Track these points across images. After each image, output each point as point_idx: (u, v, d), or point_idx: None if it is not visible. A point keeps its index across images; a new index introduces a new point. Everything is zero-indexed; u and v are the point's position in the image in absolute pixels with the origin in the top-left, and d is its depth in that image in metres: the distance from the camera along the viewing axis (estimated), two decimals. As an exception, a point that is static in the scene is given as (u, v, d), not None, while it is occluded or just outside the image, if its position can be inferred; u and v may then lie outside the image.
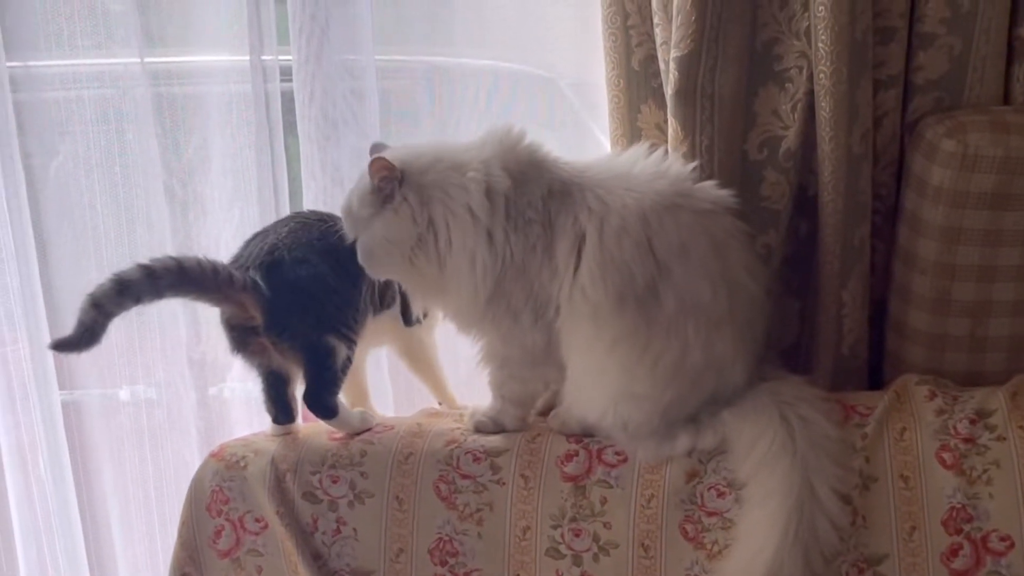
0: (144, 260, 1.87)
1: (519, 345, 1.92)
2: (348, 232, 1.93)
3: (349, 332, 2.00)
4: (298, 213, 2.11)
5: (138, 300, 1.86)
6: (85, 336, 1.82)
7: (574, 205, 1.86)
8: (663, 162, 1.92)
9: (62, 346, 1.84)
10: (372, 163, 1.85)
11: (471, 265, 1.86)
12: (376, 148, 1.97)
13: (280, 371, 2.03)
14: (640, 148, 1.96)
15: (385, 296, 2.08)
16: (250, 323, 1.96)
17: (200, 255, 1.92)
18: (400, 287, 2.06)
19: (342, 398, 2.04)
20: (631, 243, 1.83)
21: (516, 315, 1.90)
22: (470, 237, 1.85)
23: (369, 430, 2.04)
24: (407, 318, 2.13)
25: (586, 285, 1.84)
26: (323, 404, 1.99)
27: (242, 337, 1.99)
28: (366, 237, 1.90)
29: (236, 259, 2.00)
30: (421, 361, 2.22)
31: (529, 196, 1.86)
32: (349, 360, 2.02)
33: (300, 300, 1.95)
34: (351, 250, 1.93)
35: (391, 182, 1.85)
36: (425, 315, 2.14)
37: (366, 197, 1.88)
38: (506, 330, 1.92)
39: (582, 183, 1.88)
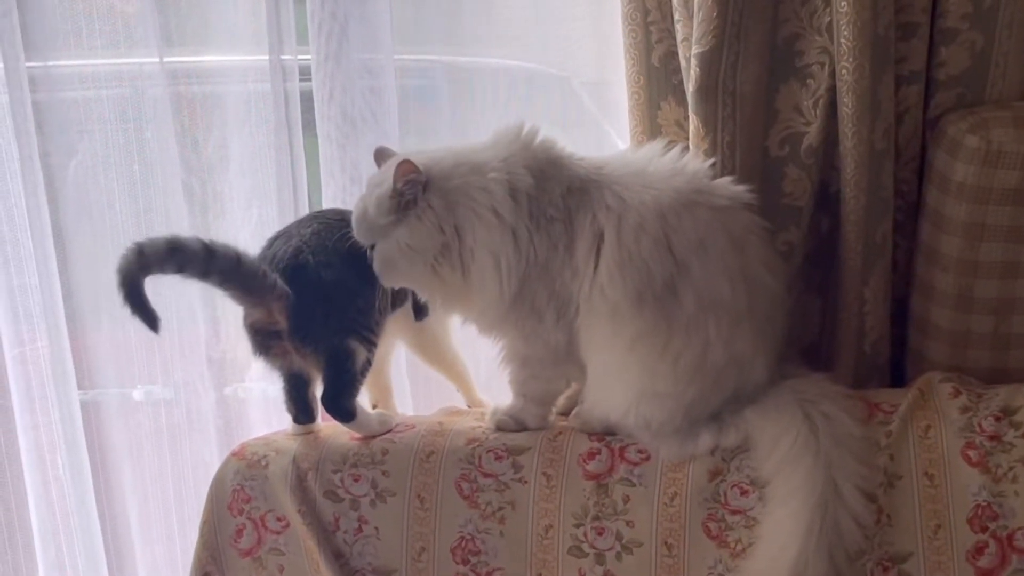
0: (208, 239, 1.89)
1: (542, 344, 1.92)
2: (362, 239, 1.90)
3: (370, 335, 2.00)
4: (320, 212, 2.10)
5: (180, 269, 1.87)
6: (137, 304, 1.85)
7: (592, 203, 1.85)
8: (680, 159, 1.92)
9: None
10: (399, 166, 1.81)
11: (496, 267, 1.85)
12: (381, 153, 1.96)
13: (301, 373, 2.03)
14: (656, 145, 1.95)
15: (398, 294, 2.07)
16: (274, 327, 1.96)
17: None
18: None
19: (362, 400, 2.04)
20: (649, 241, 1.82)
21: (539, 314, 1.89)
22: (496, 239, 1.84)
23: (389, 432, 2.04)
24: (418, 312, 2.12)
25: (605, 284, 1.83)
26: (341, 407, 1.99)
27: (265, 341, 1.99)
28: (386, 245, 1.87)
29: (259, 260, 1.99)
30: (437, 354, 2.21)
31: (550, 194, 1.86)
32: (369, 363, 2.02)
33: (323, 305, 1.94)
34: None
35: (415, 186, 1.82)
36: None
37: (384, 202, 1.85)
38: (529, 330, 1.91)
39: (599, 180, 1.88)
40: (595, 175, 1.89)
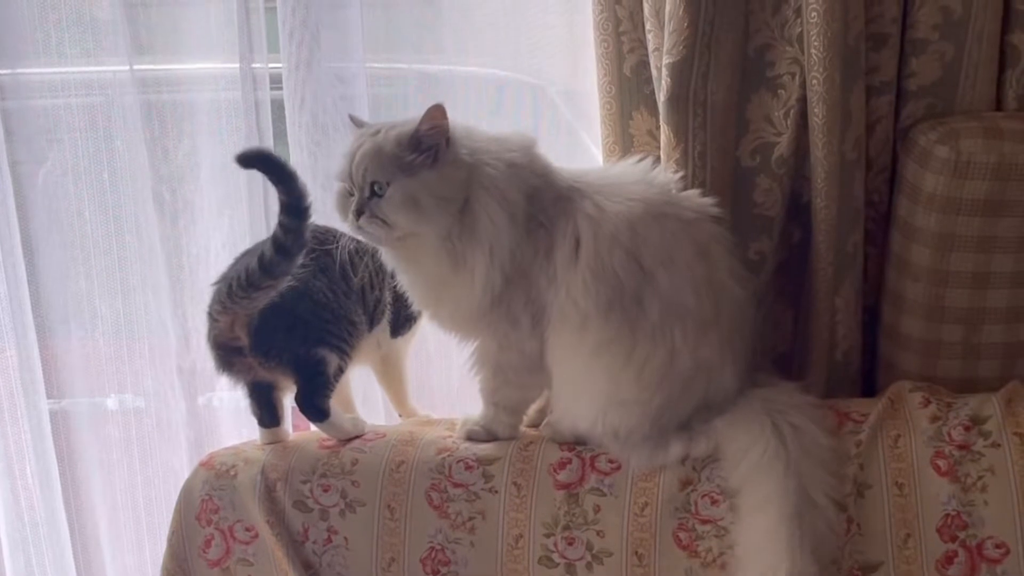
0: None
1: (517, 352, 1.92)
2: (375, 174, 1.82)
3: (341, 343, 1.99)
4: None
5: None
6: None
7: (574, 211, 1.86)
8: (651, 171, 1.93)
9: None
10: (432, 108, 1.79)
11: (488, 259, 1.84)
12: (355, 119, 1.96)
13: (265, 380, 2.02)
14: (633, 157, 1.97)
15: (376, 313, 2.07)
16: (236, 343, 1.96)
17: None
18: (390, 298, 2.06)
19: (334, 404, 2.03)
20: (621, 251, 1.83)
21: (515, 320, 1.89)
22: (495, 227, 1.83)
23: (360, 436, 2.03)
24: (395, 328, 2.12)
25: (578, 293, 1.83)
26: (314, 408, 1.99)
27: (227, 356, 1.99)
28: (413, 184, 1.81)
29: (225, 277, 1.99)
30: (393, 371, 2.20)
31: (542, 201, 1.86)
32: (342, 370, 2.02)
33: (286, 319, 1.94)
34: (344, 262, 1.94)
35: (440, 136, 1.81)
36: (415, 322, 2.14)
37: (405, 141, 1.81)
38: (503, 335, 1.91)
39: (581, 189, 1.88)
40: (576, 184, 1.90)
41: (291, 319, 1.94)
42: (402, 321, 2.12)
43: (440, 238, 1.84)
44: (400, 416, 2.23)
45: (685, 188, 1.95)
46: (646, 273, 1.83)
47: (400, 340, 2.15)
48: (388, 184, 1.82)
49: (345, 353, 2.01)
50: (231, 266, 2.02)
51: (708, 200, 1.92)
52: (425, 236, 1.84)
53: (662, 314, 1.83)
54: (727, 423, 1.86)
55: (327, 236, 2.00)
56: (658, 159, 2.01)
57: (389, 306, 2.08)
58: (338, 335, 1.99)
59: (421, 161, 1.81)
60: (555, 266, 1.85)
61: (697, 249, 1.86)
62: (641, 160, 1.95)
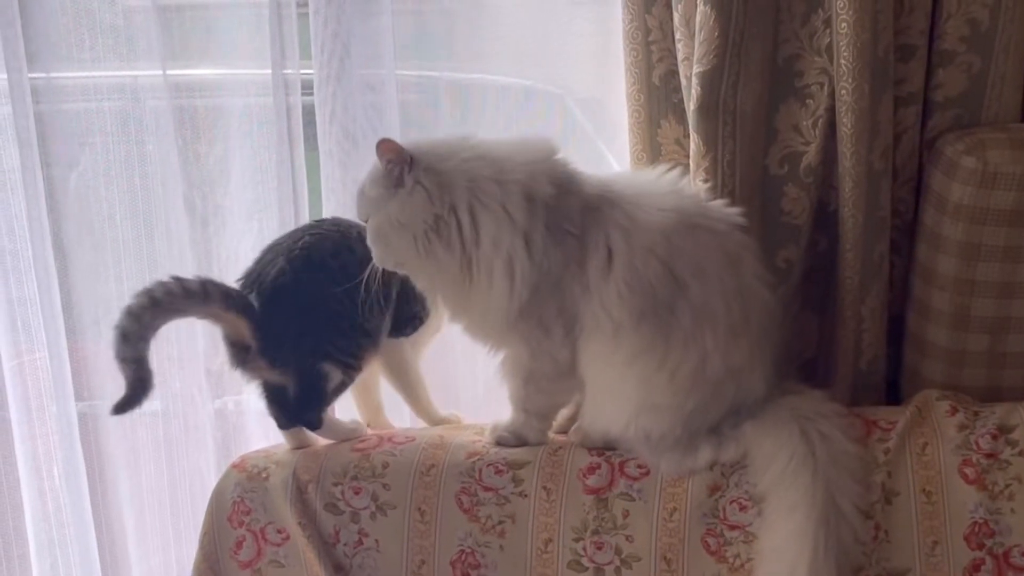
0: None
1: (550, 360, 1.92)
2: (360, 215, 1.91)
3: (348, 359, 2.01)
4: (317, 223, 2.09)
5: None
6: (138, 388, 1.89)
7: (605, 221, 1.86)
8: (680, 181, 1.94)
9: (123, 408, 1.90)
10: (379, 145, 1.83)
11: (507, 270, 1.85)
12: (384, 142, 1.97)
13: (277, 382, 2.04)
14: (659, 167, 1.98)
15: (401, 314, 2.07)
16: (244, 342, 1.98)
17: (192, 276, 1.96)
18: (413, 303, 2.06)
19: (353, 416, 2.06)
20: (657, 263, 1.84)
21: (547, 329, 1.90)
22: (505, 237, 1.84)
23: (358, 438, 2.06)
24: (394, 328, 2.09)
25: (612, 303, 1.84)
26: (305, 419, 2.02)
27: (240, 354, 2.00)
28: (378, 218, 1.87)
29: (248, 274, 2.01)
30: (403, 377, 2.17)
31: (568, 208, 1.86)
32: (344, 385, 2.03)
33: (297, 327, 1.96)
34: (363, 268, 1.93)
35: (399, 165, 1.83)
36: (420, 323, 2.11)
37: (378, 179, 1.86)
38: (535, 344, 1.91)
39: (611, 199, 1.89)
40: (606, 193, 1.90)
41: (302, 326, 1.96)
42: (404, 321, 2.09)
43: (429, 251, 1.86)
44: (426, 423, 2.21)
45: (713, 199, 1.96)
46: (679, 283, 1.84)
47: (404, 343, 2.12)
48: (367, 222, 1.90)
49: (352, 368, 2.02)
50: (255, 263, 2.03)
51: (735, 210, 1.93)
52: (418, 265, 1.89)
53: (694, 321, 1.84)
54: (756, 428, 1.88)
55: (351, 233, 2.01)
56: (685, 169, 2.02)
57: (388, 304, 2.05)
58: (347, 350, 2.00)
59: (385, 196, 1.86)
60: (588, 276, 1.86)
61: (728, 259, 1.88)
62: (669, 170, 1.96)
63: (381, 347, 2.06)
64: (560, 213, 1.86)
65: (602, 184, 1.92)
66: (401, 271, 1.93)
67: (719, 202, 1.96)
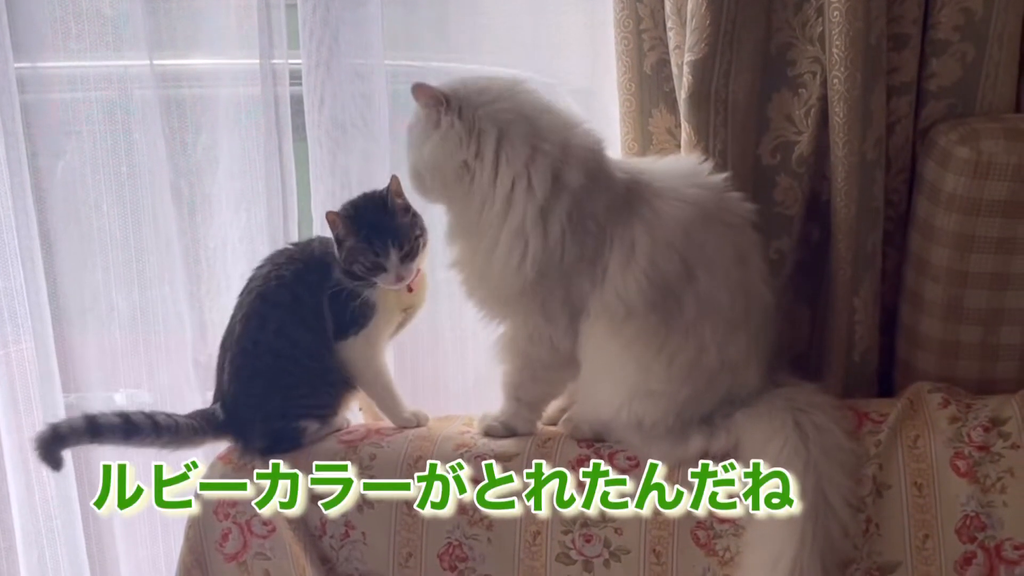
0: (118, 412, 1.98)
1: (549, 348, 1.92)
2: (409, 161, 1.94)
3: (324, 410, 2.02)
4: (270, 263, 2.04)
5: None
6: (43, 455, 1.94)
7: (631, 216, 1.85)
8: (699, 169, 1.93)
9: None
10: (413, 89, 1.87)
11: (517, 239, 1.84)
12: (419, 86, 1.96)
13: None
14: (677, 155, 1.99)
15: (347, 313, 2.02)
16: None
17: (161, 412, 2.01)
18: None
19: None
20: (675, 255, 1.84)
21: (550, 316, 1.89)
22: (520, 202, 1.83)
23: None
24: (339, 332, 2.02)
25: (631, 292, 1.83)
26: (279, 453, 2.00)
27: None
28: (414, 158, 1.91)
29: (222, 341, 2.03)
30: (360, 378, 2.07)
31: (593, 207, 1.85)
32: (322, 429, 2.03)
33: (266, 405, 1.97)
34: (329, 296, 1.96)
35: (435, 108, 1.86)
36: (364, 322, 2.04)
37: (420, 119, 1.90)
38: (534, 328, 1.91)
39: (639, 192, 1.87)
40: (633, 185, 1.89)
41: (269, 404, 1.98)
42: (344, 323, 2.01)
43: (456, 194, 1.89)
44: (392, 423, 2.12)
45: (730, 189, 1.93)
46: (690, 274, 1.83)
47: (355, 343, 2.03)
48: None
49: (326, 416, 2.04)
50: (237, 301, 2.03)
51: (750, 206, 1.92)
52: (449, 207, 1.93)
53: (697, 312, 1.83)
54: (748, 417, 1.87)
55: (318, 257, 2.02)
56: (703, 154, 2.00)
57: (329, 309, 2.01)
58: (320, 402, 2.02)
59: (421, 137, 1.90)
60: (605, 269, 1.85)
61: (737, 255, 1.88)
62: (686, 157, 1.97)
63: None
64: (586, 209, 1.85)
65: (631, 175, 1.90)
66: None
67: (736, 194, 1.93)
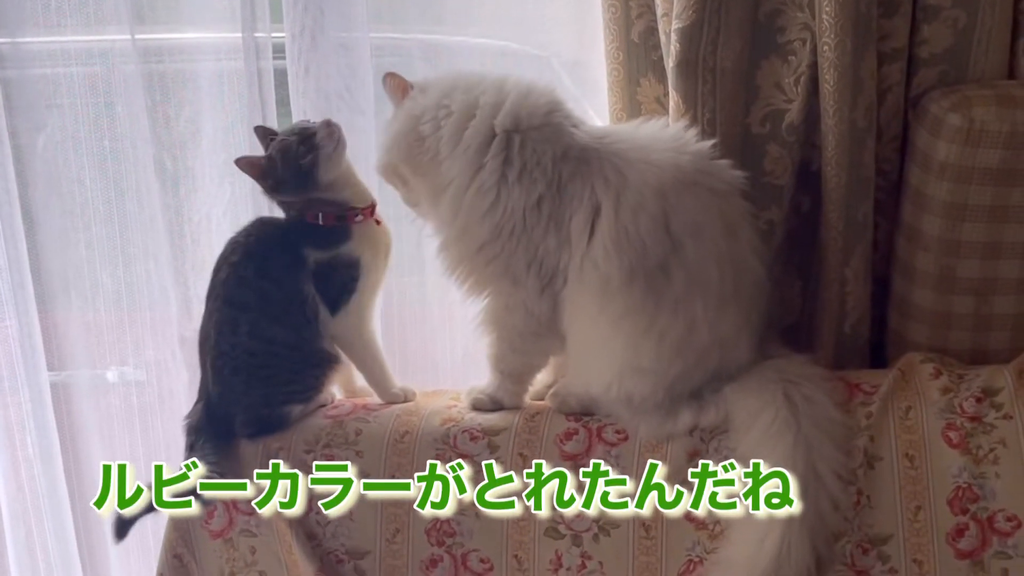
0: None
1: (524, 313, 1.90)
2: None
3: (308, 393, 2.00)
4: (235, 252, 1.99)
5: None
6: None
7: (591, 174, 1.84)
8: (683, 136, 1.90)
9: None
10: (384, 78, 1.97)
11: (462, 194, 1.86)
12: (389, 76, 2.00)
13: None
14: (661, 121, 1.94)
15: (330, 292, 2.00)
16: None
17: None
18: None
19: None
20: (648, 219, 1.81)
21: (516, 279, 1.87)
22: (459, 156, 1.86)
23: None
24: (332, 307, 2.00)
25: (599, 258, 1.81)
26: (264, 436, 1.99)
27: None
28: (383, 143, 1.98)
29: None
30: (350, 351, 2.06)
31: (539, 155, 1.84)
32: (307, 410, 2.01)
33: (247, 400, 1.96)
34: (313, 275, 1.96)
35: (403, 96, 1.94)
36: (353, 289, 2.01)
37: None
38: (506, 294, 1.90)
39: (600, 150, 1.86)
40: (596, 144, 1.87)
41: (250, 399, 1.96)
42: (335, 296, 1.99)
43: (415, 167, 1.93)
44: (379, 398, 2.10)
45: (716, 156, 1.90)
46: (674, 241, 1.81)
47: (347, 316, 2.01)
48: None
49: (310, 397, 2.01)
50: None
51: (739, 173, 1.89)
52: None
53: (686, 286, 1.81)
54: (738, 389, 1.85)
55: (290, 230, 1.99)
56: (688, 125, 1.97)
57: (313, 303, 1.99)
58: (304, 385, 1.99)
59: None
60: (568, 230, 1.83)
61: (726, 224, 1.85)
62: (672, 124, 1.94)
63: (328, 335, 2.00)
64: (527, 154, 1.84)
65: (595, 135, 1.90)
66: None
67: (724, 162, 1.90)
